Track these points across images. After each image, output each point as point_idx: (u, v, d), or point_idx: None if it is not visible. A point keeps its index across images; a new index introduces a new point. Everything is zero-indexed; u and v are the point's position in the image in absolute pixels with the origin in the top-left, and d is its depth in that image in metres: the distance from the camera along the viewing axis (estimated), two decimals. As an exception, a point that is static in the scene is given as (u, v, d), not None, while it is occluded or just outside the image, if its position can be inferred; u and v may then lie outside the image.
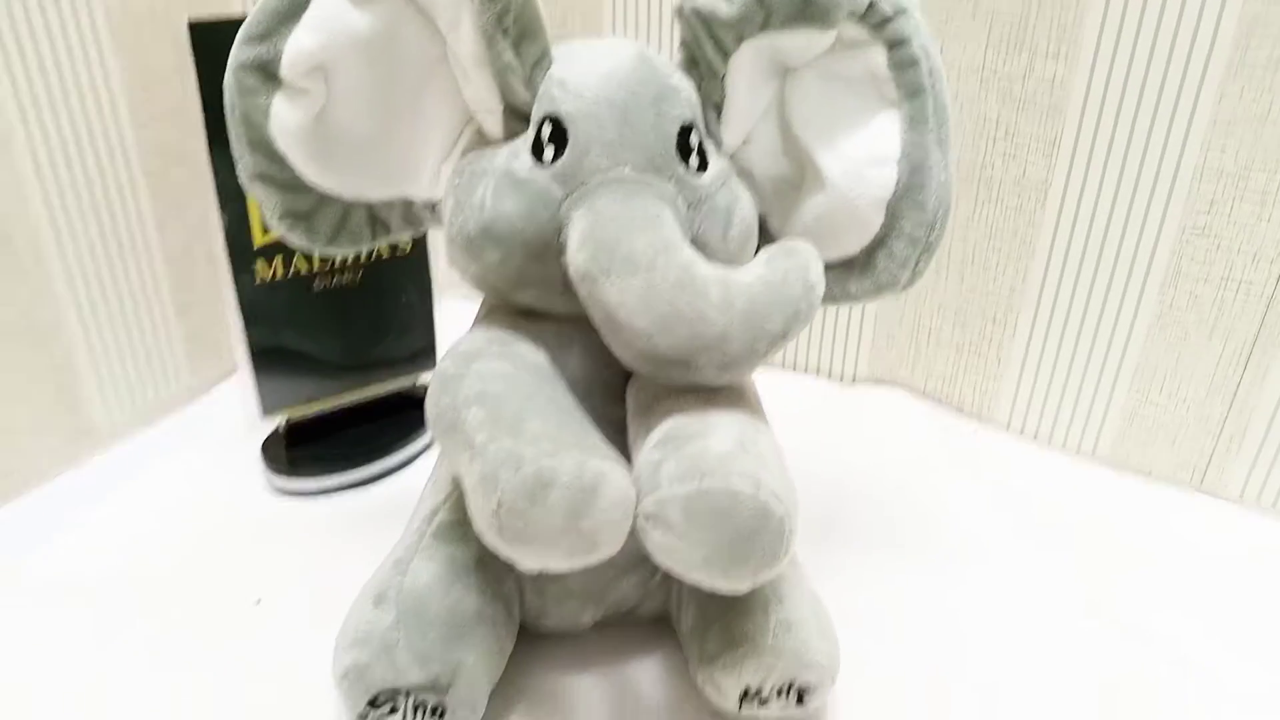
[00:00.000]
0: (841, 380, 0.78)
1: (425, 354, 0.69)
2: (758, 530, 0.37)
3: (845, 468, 0.67)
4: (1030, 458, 0.69)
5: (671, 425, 0.41)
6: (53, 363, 0.63)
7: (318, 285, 0.63)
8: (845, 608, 0.52)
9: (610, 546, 0.37)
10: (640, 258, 0.39)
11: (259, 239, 0.60)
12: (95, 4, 0.62)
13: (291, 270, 0.62)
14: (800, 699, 0.44)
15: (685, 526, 0.37)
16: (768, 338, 0.40)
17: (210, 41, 0.54)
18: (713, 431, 0.40)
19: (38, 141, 0.60)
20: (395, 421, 0.68)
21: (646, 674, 0.50)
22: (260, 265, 0.60)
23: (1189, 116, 0.57)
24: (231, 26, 0.54)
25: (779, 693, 0.44)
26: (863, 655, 0.49)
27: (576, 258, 0.41)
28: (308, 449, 0.65)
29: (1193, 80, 0.57)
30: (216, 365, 0.76)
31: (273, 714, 0.47)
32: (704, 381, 0.41)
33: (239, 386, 0.63)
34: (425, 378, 0.71)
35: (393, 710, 0.43)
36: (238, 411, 0.64)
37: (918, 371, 0.75)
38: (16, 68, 0.58)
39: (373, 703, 0.42)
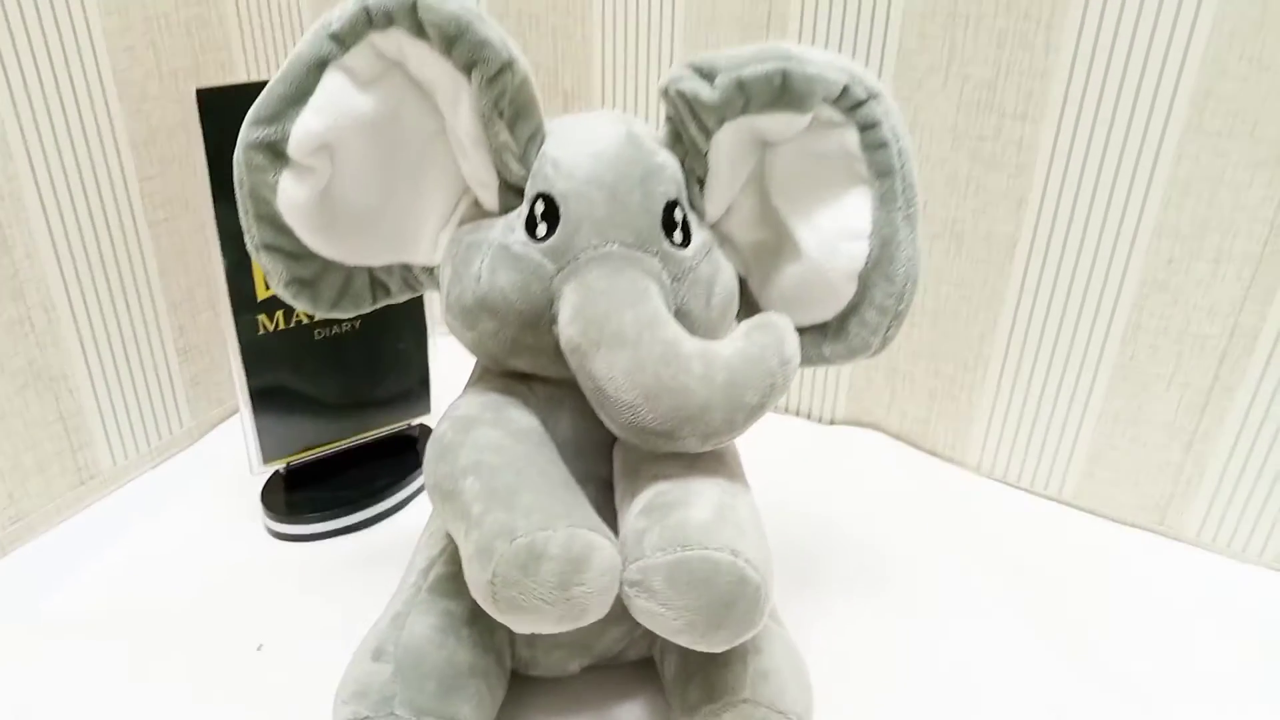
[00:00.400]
0: (821, 421, 0.81)
1: (420, 397, 0.72)
2: (735, 597, 0.39)
3: (824, 507, 0.70)
4: (999, 498, 0.72)
5: (655, 493, 0.44)
6: (60, 409, 0.66)
7: (318, 334, 0.65)
8: (822, 649, 0.55)
9: (598, 612, 0.40)
10: (628, 332, 0.42)
11: (262, 293, 0.62)
12: (102, 61, 0.64)
13: (293, 320, 0.64)
14: (776, 744, 0.47)
15: (667, 593, 0.39)
16: (745, 409, 0.43)
17: (216, 106, 0.57)
18: (694, 500, 0.42)
19: (48, 196, 0.62)
20: (391, 464, 0.70)
21: (632, 716, 0.52)
22: (263, 318, 0.63)
23: (1148, 178, 0.60)
24: (236, 91, 0.57)
25: (757, 738, 0.47)
26: (839, 696, 0.52)
27: (567, 331, 0.44)
28: (306, 493, 0.68)
29: (1151, 143, 0.60)
30: (217, 408, 0.79)
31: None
32: (687, 450, 0.44)
33: (239, 430, 0.65)
34: (419, 420, 0.73)
35: (392, 758, 0.45)
36: (238, 454, 0.66)
37: (893, 414, 0.77)
38: (29, 131, 0.61)
39: (372, 751, 0.45)
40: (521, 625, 0.40)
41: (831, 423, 0.81)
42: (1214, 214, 0.59)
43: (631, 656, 0.53)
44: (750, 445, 0.48)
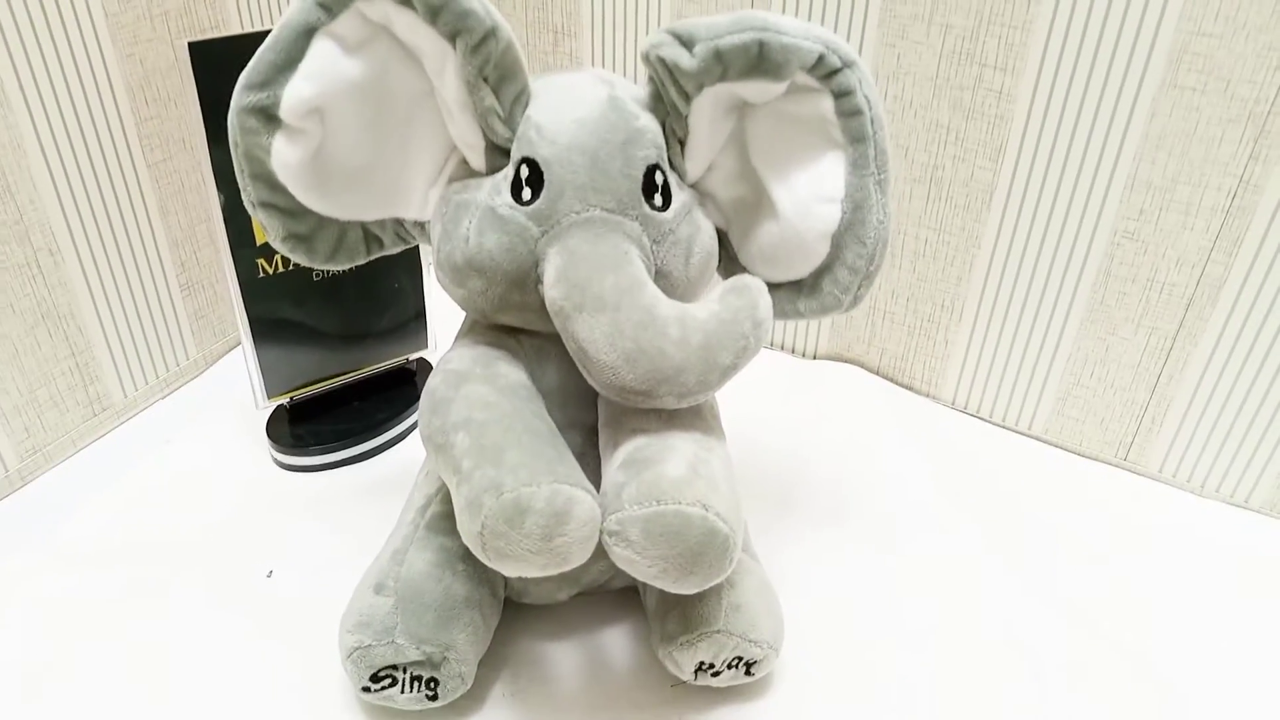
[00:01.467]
0: (803, 356, 0.84)
1: (417, 332, 0.74)
2: (705, 547, 0.43)
3: (803, 439, 0.73)
4: (972, 432, 0.75)
5: (634, 447, 0.47)
6: (70, 345, 0.68)
7: (316, 276, 0.67)
8: (794, 579, 0.59)
9: (580, 559, 0.43)
10: (608, 297, 0.44)
11: (260, 237, 0.64)
12: (94, 4, 0.65)
13: (292, 264, 0.66)
14: (749, 670, 0.52)
15: (643, 543, 0.43)
16: (719, 370, 0.45)
17: (208, 58, 0.58)
18: (669, 456, 0.45)
19: (47, 142, 0.64)
20: (391, 398, 0.73)
21: (615, 640, 0.56)
22: (262, 261, 0.65)
23: (1123, 131, 0.62)
24: (226, 43, 0.58)
25: (729, 666, 0.51)
26: (809, 625, 0.56)
27: (551, 293, 0.46)
28: (309, 426, 0.71)
29: (1127, 98, 0.61)
30: (221, 340, 0.81)
31: (287, 675, 0.53)
32: (665, 406, 0.46)
33: (242, 363, 0.68)
34: (417, 355, 0.76)
35: (392, 683, 0.49)
36: (243, 384, 0.69)
37: (873, 350, 0.80)
38: (26, 79, 0.62)
39: (374, 678, 0.49)
40: (510, 570, 0.43)
41: (813, 358, 0.83)
42: (1185, 168, 0.61)
43: (617, 585, 0.57)
44: (732, 379, 0.50)
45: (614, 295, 0.44)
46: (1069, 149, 0.64)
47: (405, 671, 0.49)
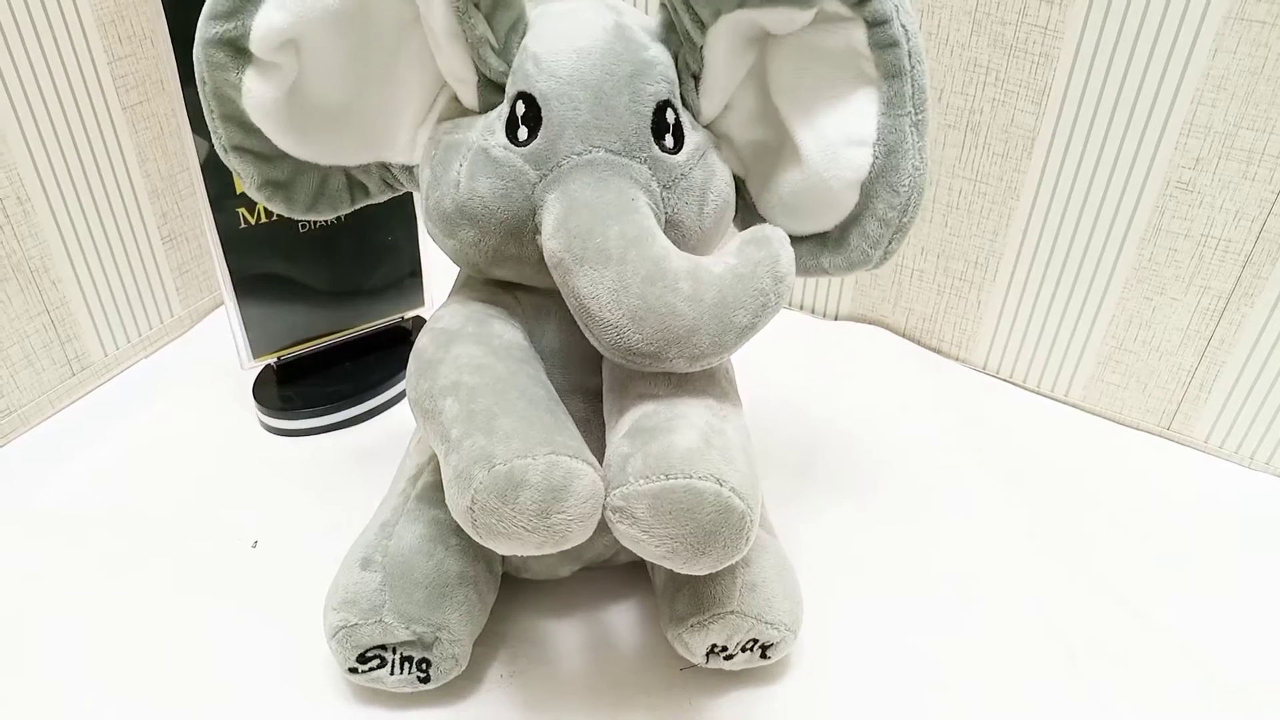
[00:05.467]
0: (825, 317, 0.79)
1: (412, 289, 0.70)
2: (719, 526, 0.39)
3: (824, 405, 0.69)
4: (1004, 398, 0.71)
5: (641, 414, 0.42)
6: (44, 300, 0.64)
7: (303, 227, 0.63)
8: (813, 554, 0.55)
9: (580, 537, 0.39)
10: (613, 249, 0.40)
11: (239, 185, 0.59)
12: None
13: (277, 214, 0.61)
14: (764, 653, 0.48)
15: (650, 521, 0.39)
16: (735, 330, 0.41)
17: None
18: (679, 425, 0.41)
19: (11, 80, 0.59)
20: (384, 358, 0.70)
21: (621, 619, 0.53)
22: (244, 211, 0.61)
23: (1181, 70, 0.56)
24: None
25: (743, 649, 0.47)
26: (828, 604, 0.52)
27: (550, 244, 0.42)
28: (298, 387, 0.67)
29: (1188, 33, 0.55)
30: (207, 295, 0.77)
31: (272, 652, 0.50)
32: (674, 370, 0.42)
33: (228, 322, 0.64)
34: (413, 313, 0.72)
35: (381, 664, 0.46)
36: (229, 344, 0.66)
37: (899, 310, 0.75)
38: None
39: (361, 658, 0.46)
40: (503, 549, 0.39)
41: (835, 318, 0.79)
42: (1249, 111, 0.55)
43: (622, 560, 0.54)
44: (749, 341, 0.47)
45: (619, 246, 0.40)
46: (1120, 90, 0.59)
47: (395, 652, 0.46)
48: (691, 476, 0.38)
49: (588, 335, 0.42)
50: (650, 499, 0.39)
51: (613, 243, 0.40)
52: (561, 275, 0.41)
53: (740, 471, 0.40)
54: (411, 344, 0.70)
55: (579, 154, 0.42)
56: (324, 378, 0.68)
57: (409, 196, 0.66)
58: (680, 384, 0.44)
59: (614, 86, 0.42)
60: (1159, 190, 0.60)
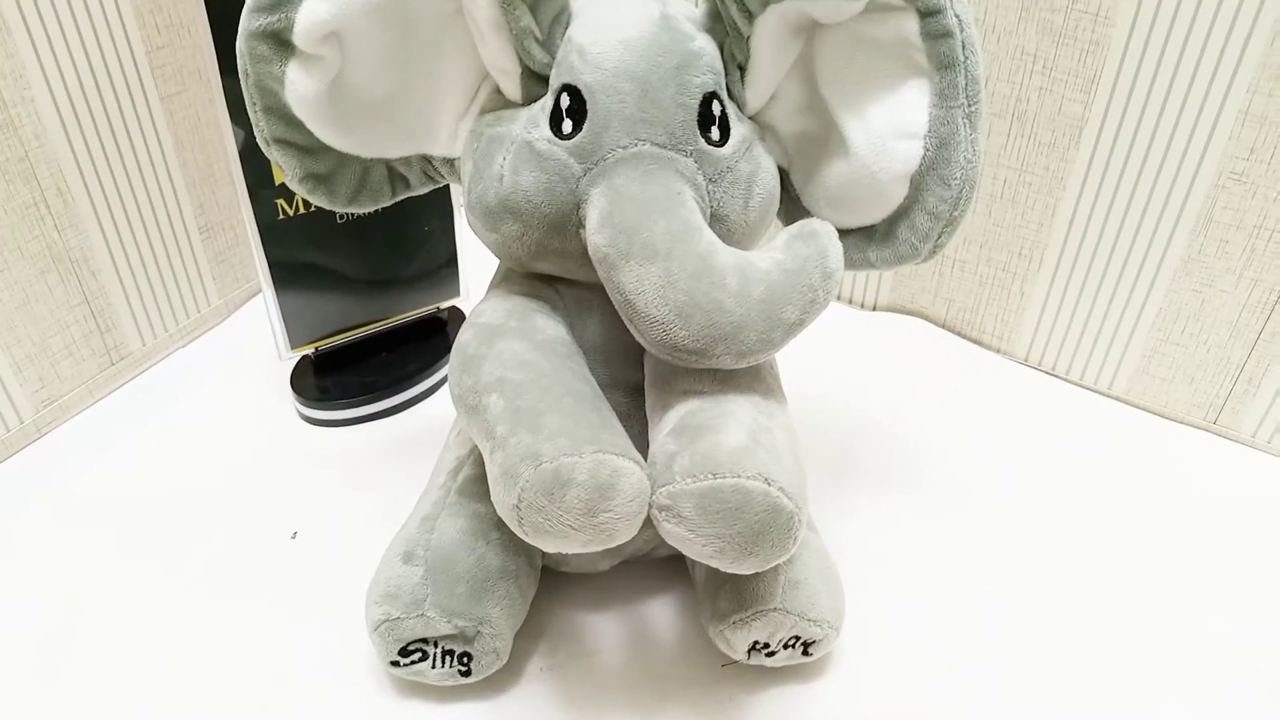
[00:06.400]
0: (863, 307, 0.78)
1: (449, 279, 0.70)
2: (767, 526, 0.38)
3: (862, 398, 0.68)
4: (1047, 392, 0.70)
5: (686, 411, 0.42)
6: (84, 291, 0.65)
7: (340, 218, 0.63)
8: (854, 550, 0.55)
9: (626, 535, 0.39)
10: (659, 244, 0.39)
11: (279, 176, 0.59)
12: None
13: (314, 205, 0.61)
14: (806, 651, 0.47)
15: (697, 520, 0.38)
16: (784, 327, 0.40)
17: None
18: (726, 423, 0.40)
19: (51, 72, 0.59)
20: (420, 348, 0.69)
21: (660, 612, 0.53)
22: (282, 202, 0.60)
23: (1237, 58, 0.55)
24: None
25: (785, 645, 0.47)
26: (870, 600, 0.52)
27: (594, 239, 0.41)
28: (336, 378, 0.67)
29: (1245, 18, 0.54)
30: (244, 285, 0.77)
31: (312, 644, 0.50)
32: (721, 367, 0.41)
33: (265, 312, 0.64)
34: (449, 303, 0.71)
35: (423, 658, 0.46)
36: (268, 332, 0.66)
37: (939, 301, 0.74)
38: (28, 8, 0.57)
39: (403, 651, 0.46)
40: (549, 546, 0.39)
41: (874, 309, 0.78)
42: (1308, 99, 0.54)
43: (661, 554, 0.53)
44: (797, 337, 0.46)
45: (665, 242, 0.39)
46: (1173, 78, 0.57)
47: (436, 646, 0.46)
48: (740, 476, 0.38)
49: (633, 331, 0.42)
50: (697, 498, 0.38)
51: (659, 238, 0.40)
52: (607, 270, 0.41)
53: (788, 471, 0.39)
54: (448, 333, 0.71)
55: (624, 147, 0.41)
56: (361, 368, 0.67)
57: (445, 186, 0.66)
58: (725, 380, 0.43)
59: (660, 79, 0.42)
60: (1211, 181, 0.58)
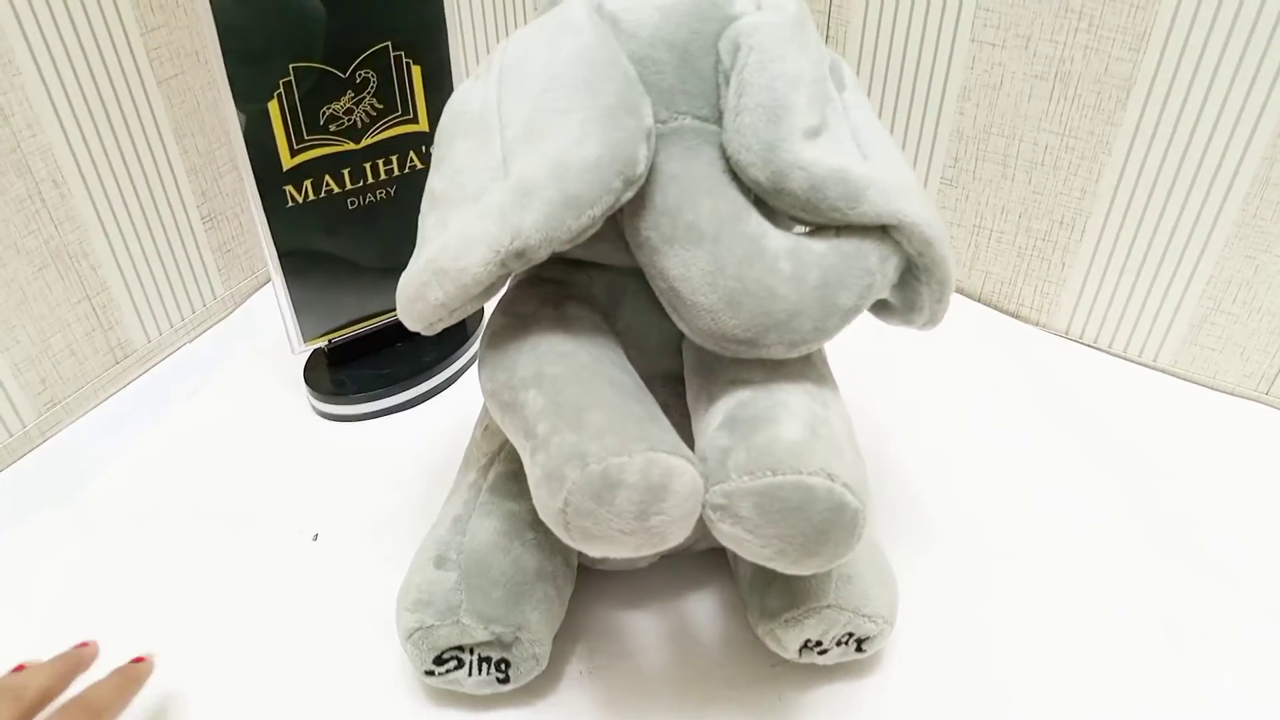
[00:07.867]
0: (895, 281, 0.75)
1: (463, 264, 0.67)
2: (831, 525, 0.36)
3: (896, 376, 0.65)
4: (1089, 365, 0.67)
5: (737, 403, 0.39)
6: (84, 287, 0.62)
7: (351, 203, 0.60)
8: (900, 538, 0.52)
9: (679, 538, 0.37)
10: (705, 226, 0.37)
11: (287, 161, 0.56)
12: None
13: (324, 190, 0.58)
14: (859, 647, 0.45)
15: (756, 521, 0.36)
16: (839, 313, 0.38)
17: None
18: (782, 415, 0.38)
19: (42, 57, 0.56)
20: (438, 339, 0.66)
21: (702, 608, 0.50)
22: (291, 189, 0.57)
23: (1298, 9, 0.52)
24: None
25: (838, 643, 0.45)
26: (919, 591, 0.49)
27: (634, 223, 0.38)
28: (351, 370, 0.64)
29: (1306, -33, 0.51)
30: (250, 276, 0.75)
31: (338, 652, 0.48)
32: (771, 356, 0.39)
33: (274, 301, 0.61)
34: (464, 289, 0.68)
35: (458, 665, 0.44)
36: (278, 323, 0.63)
37: (974, 274, 0.72)
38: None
39: (438, 660, 0.43)
40: (597, 552, 0.37)
41: (906, 283, 0.75)
42: (1374, 50, 0.51)
43: (701, 548, 0.51)
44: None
45: (712, 224, 0.37)
46: (1229, 34, 0.54)
47: (473, 653, 0.44)
48: (801, 472, 0.35)
49: (676, 320, 0.39)
50: (756, 496, 0.36)
51: (705, 219, 0.37)
52: (648, 255, 0.38)
53: (851, 465, 0.37)
54: (466, 322, 0.68)
55: (664, 122, 0.38)
56: (376, 360, 0.65)
57: (458, 166, 0.63)
58: (775, 368, 0.41)
59: (701, 47, 0.39)
60: (1268, 141, 0.56)
